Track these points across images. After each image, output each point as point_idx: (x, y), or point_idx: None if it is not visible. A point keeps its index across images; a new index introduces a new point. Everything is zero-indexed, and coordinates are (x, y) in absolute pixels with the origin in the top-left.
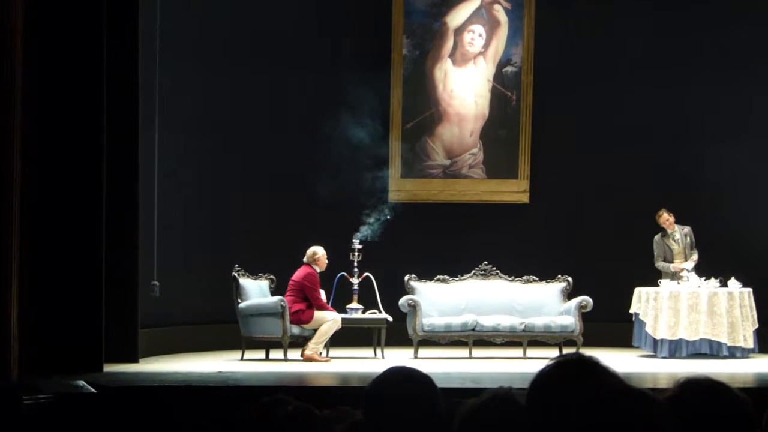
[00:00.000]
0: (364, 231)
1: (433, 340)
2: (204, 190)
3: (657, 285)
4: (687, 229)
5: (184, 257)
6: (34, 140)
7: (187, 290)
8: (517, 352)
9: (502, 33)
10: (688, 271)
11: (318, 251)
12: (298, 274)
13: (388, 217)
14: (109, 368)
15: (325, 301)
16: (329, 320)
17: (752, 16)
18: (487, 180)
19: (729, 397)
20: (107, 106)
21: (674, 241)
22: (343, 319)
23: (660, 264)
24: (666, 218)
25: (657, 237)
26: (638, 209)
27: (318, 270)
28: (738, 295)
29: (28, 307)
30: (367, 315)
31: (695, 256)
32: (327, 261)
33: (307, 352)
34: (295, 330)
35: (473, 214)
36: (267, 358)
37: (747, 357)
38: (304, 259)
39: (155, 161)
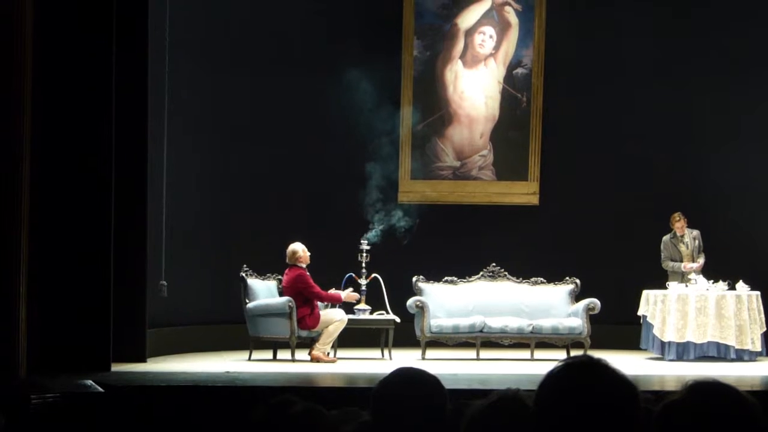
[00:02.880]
0: (374, 235)
1: (441, 341)
2: (212, 190)
3: (665, 287)
4: (696, 232)
5: (193, 257)
6: (44, 140)
7: (195, 290)
8: (525, 353)
9: (513, 35)
10: (696, 273)
11: (297, 249)
12: (288, 278)
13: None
14: (117, 368)
15: (326, 292)
16: (336, 321)
17: (759, 21)
18: (496, 182)
19: (737, 400)
20: (116, 105)
21: (683, 243)
22: (351, 320)
23: (669, 264)
24: (681, 223)
25: (666, 238)
26: (647, 212)
27: (304, 266)
28: (746, 298)
29: (36, 306)
30: (375, 316)
31: (702, 260)
32: (309, 253)
33: (314, 353)
34: (303, 331)
35: (482, 216)
36: (274, 359)
37: (755, 360)
38: (287, 261)
39: (164, 161)
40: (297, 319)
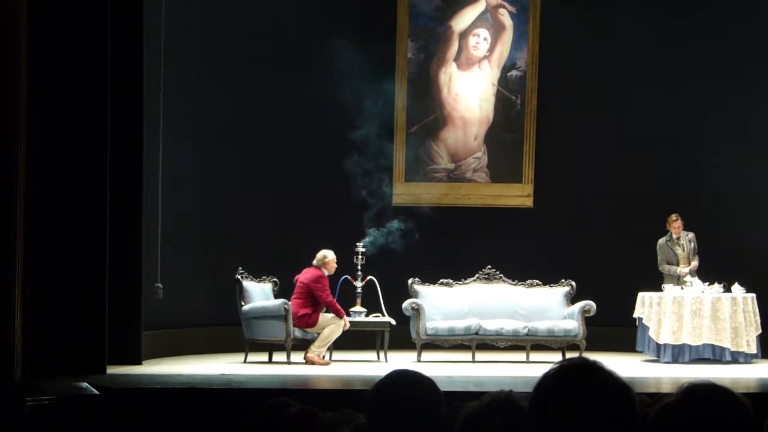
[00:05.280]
0: (369, 238)
1: (437, 343)
2: (207, 192)
3: (661, 290)
4: (691, 235)
5: (188, 259)
6: (39, 142)
7: (190, 292)
8: (520, 356)
9: (507, 37)
10: (690, 275)
11: (328, 255)
12: (306, 275)
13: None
14: (113, 370)
15: (335, 301)
16: (333, 324)
17: (758, 22)
18: (491, 184)
19: (732, 402)
20: (112, 107)
21: (679, 246)
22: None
23: (665, 267)
24: (678, 223)
25: (661, 241)
26: (642, 214)
27: (327, 273)
28: (741, 300)
29: (31, 308)
30: (371, 318)
31: (696, 262)
32: (336, 266)
33: (309, 355)
34: (298, 333)
35: (477, 218)
36: (270, 361)
37: (750, 362)
38: (314, 262)
39: (159, 163)
40: (298, 315)
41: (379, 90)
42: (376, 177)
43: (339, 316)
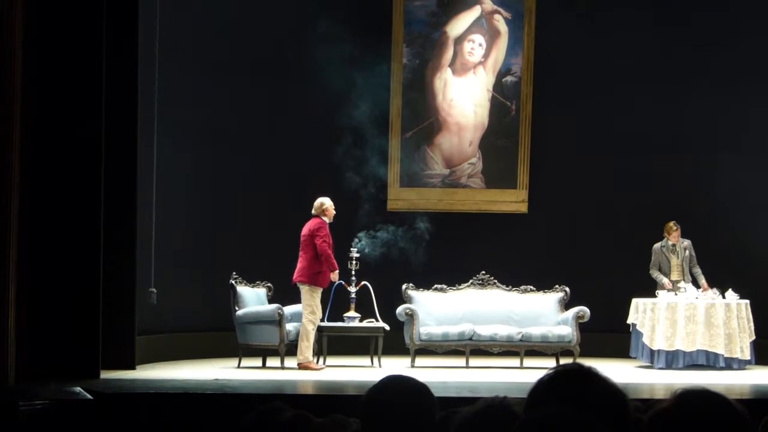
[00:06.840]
0: (364, 243)
1: (430, 349)
2: (202, 197)
3: (654, 296)
4: (687, 242)
5: (182, 264)
6: (33, 145)
7: (184, 297)
8: (514, 361)
9: (502, 43)
10: (713, 290)
11: (325, 202)
12: (309, 226)
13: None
14: (106, 375)
15: (331, 255)
16: (304, 320)
17: (758, 29)
18: (485, 190)
19: (726, 408)
20: (106, 111)
21: (675, 254)
22: (341, 328)
23: (654, 273)
24: (678, 233)
25: (657, 246)
26: (637, 220)
27: (327, 221)
28: (735, 306)
29: (25, 312)
30: (365, 323)
31: (703, 280)
32: (335, 212)
33: (300, 361)
34: (292, 335)
35: (471, 224)
36: (264, 366)
37: (744, 368)
38: (313, 211)
39: (153, 167)
40: (311, 273)
41: (374, 95)
42: (370, 182)
43: (332, 268)
